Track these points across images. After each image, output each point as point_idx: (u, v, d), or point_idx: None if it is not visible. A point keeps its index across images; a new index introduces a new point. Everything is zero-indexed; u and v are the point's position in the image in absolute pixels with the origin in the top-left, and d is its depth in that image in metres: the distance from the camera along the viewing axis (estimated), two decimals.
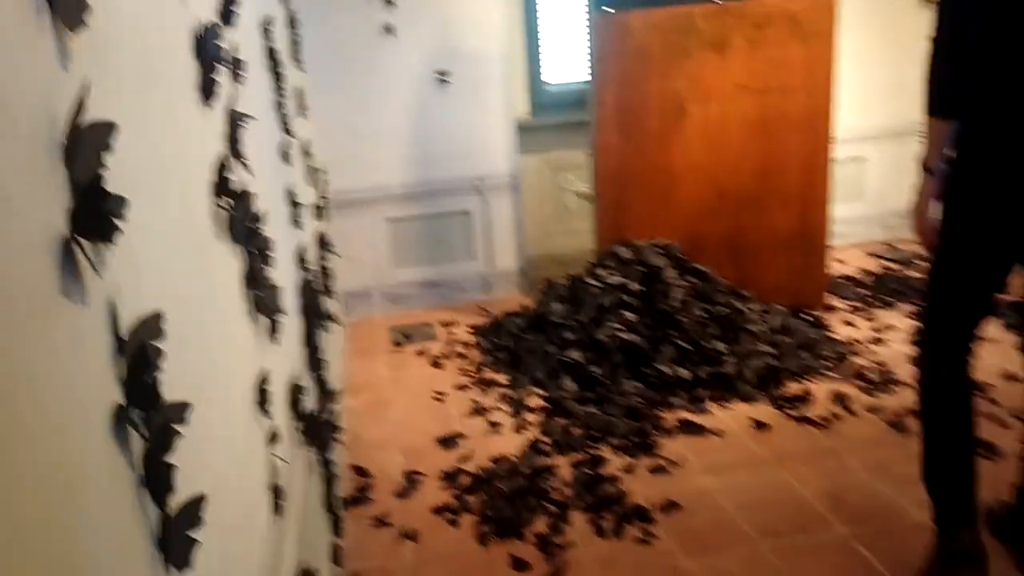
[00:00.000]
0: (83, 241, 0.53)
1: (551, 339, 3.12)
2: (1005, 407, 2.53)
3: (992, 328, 1.86)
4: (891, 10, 4.16)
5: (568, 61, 4.18)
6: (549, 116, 4.10)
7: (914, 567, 1.88)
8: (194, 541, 0.67)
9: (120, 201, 0.58)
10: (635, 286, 3.03)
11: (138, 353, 0.61)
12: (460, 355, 3.37)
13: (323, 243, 2.91)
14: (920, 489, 2.17)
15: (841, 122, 3.69)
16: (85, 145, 0.53)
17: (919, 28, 4.12)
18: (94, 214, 0.54)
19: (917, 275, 3.81)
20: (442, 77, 3.69)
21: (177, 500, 0.66)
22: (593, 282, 3.12)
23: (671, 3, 3.14)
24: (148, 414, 0.62)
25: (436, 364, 3.31)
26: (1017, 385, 2.56)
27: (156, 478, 0.62)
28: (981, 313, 1.76)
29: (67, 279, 0.51)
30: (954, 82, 1.64)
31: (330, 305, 2.88)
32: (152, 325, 0.63)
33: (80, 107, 0.53)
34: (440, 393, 3.03)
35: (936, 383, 1.82)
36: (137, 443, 0.61)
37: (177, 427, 0.67)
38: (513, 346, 3.28)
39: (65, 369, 0.50)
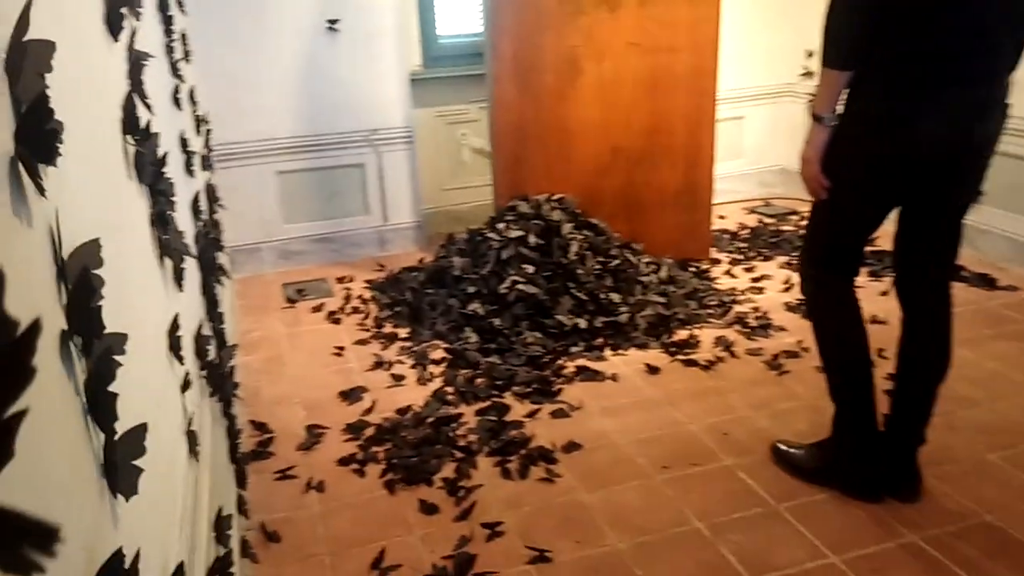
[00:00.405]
0: (29, 160, 0.52)
1: (452, 292, 3.15)
2: (872, 348, 2.76)
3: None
4: None
5: (461, 13, 4.15)
6: (442, 69, 4.07)
7: (790, 491, 2.06)
8: (139, 470, 0.67)
9: (59, 124, 0.57)
10: (534, 240, 3.10)
11: (80, 280, 0.60)
12: (357, 310, 3.35)
13: (211, 195, 2.81)
14: (796, 419, 2.36)
15: (722, 82, 3.86)
16: (28, 63, 0.51)
17: None
18: (38, 134, 0.53)
19: (790, 229, 4.06)
20: (332, 26, 3.59)
21: (120, 429, 0.65)
22: (493, 236, 3.16)
23: None
24: (90, 342, 0.61)
25: (333, 320, 3.27)
26: (882, 327, 2.80)
27: (101, 406, 0.62)
28: (863, 246, 1.93)
29: (16, 199, 0.50)
30: (850, 35, 1.74)
31: (221, 259, 2.79)
32: (92, 252, 0.62)
33: (24, 23, 0.51)
34: (339, 348, 3.01)
35: (829, 306, 1.99)
36: (79, 372, 0.61)
37: (117, 358, 0.66)
38: (413, 300, 3.29)
39: (20, 292, 0.49)
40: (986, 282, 3.25)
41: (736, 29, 4.21)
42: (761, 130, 4.61)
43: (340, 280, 3.68)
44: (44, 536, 0.42)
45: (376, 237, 3.97)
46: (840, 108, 1.83)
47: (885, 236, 2.01)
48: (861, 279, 2.01)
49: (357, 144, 3.80)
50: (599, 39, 3.29)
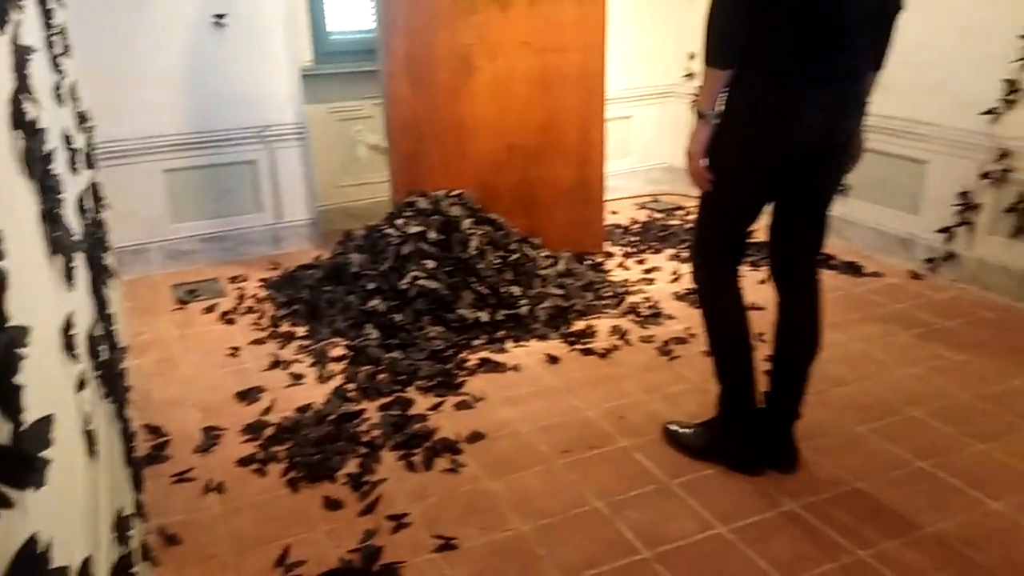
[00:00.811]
0: None
1: (351, 289, 3.14)
2: (753, 332, 2.94)
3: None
4: None
5: (352, 9, 4.12)
6: (335, 65, 4.04)
7: (681, 468, 2.18)
8: (47, 461, 0.67)
9: None
10: (434, 235, 3.12)
11: None
12: (252, 310, 3.29)
13: (95, 194, 2.70)
14: (686, 401, 2.49)
15: (611, 83, 3.99)
16: None
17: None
18: None
19: (677, 223, 4.25)
20: (219, 20, 3.50)
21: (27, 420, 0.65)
22: (392, 232, 3.17)
23: None
24: None
25: (227, 320, 3.20)
26: (761, 313, 2.98)
27: (7, 398, 0.62)
28: (745, 236, 2.06)
29: None
30: (729, 36, 1.85)
31: (107, 260, 2.68)
32: None
33: None
34: (234, 349, 2.95)
35: (716, 292, 2.12)
36: None
37: (20, 351, 0.66)
38: (310, 298, 3.25)
39: None
40: (853, 270, 3.51)
41: (622, 33, 4.37)
42: (648, 129, 4.79)
43: (233, 280, 3.60)
44: None
45: (270, 235, 3.89)
46: (721, 106, 1.95)
47: (763, 229, 2.14)
48: (742, 269, 2.15)
49: (248, 140, 3.72)
50: (492, 38, 3.35)
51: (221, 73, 3.58)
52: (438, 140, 3.40)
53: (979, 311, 3.07)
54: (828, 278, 3.42)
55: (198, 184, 3.70)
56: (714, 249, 2.12)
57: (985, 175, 3.09)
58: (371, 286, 3.08)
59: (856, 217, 3.68)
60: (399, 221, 3.22)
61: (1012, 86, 2.93)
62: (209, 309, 3.30)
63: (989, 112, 3.02)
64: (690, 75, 4.52)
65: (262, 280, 3.56)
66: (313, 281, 3.36)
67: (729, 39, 1.84)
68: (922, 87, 3.24)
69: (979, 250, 3.18)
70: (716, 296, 2.16)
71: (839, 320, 3.00)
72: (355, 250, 3.27)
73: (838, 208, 3.65)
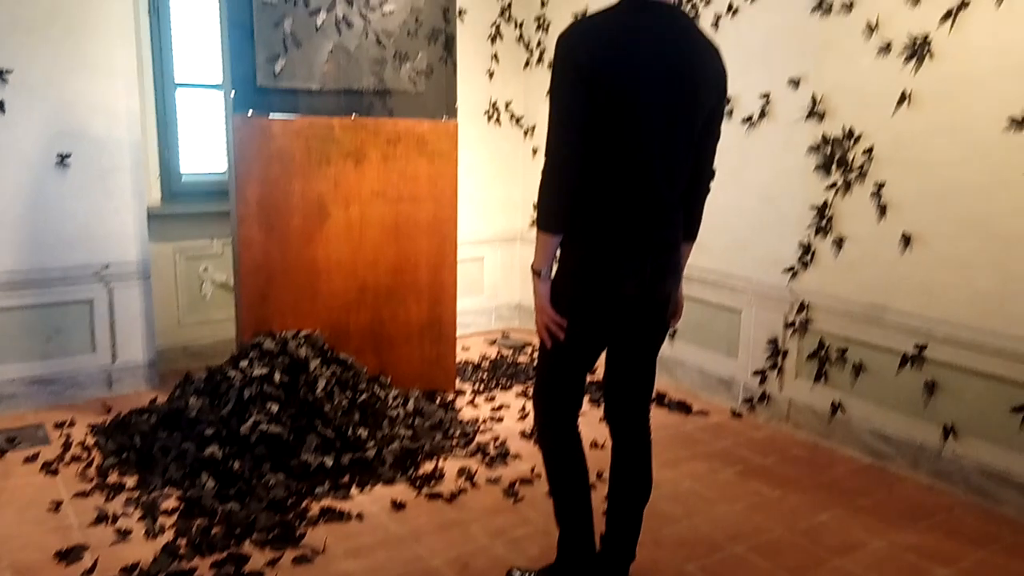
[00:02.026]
0: None
1: (188, 435, 3.02)
2: (592, 470, 3.07)
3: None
4: (499, 137, 4.89)
5: (205, 151, 4.17)
6: (184, 205, 4.03)
7: None
8: None
9: None
10: (280, 377, 3.09)
11: None
12: (78, 459, 3.08)
13: None
14: (529, 545, 2.55)
15: (464, 227, 4.22)
16: None
17: (522, 154, 4.93)
18: None
19: (525, 360, 4.42)
20: (63, 160, 3.45)
21: None
22: (235, 374, 3.11)
23: (312, 111, 3.36)
24: None
25: (49, 471, 2.98)
26: (600, 451, 3.12)
27: None
28: (583, 383, 2.20)
29: None
30: (556, 207, 2.04)
31: None
32: None
33: None
34: (56, 503, 2.74)
35: (554, 434, 2.22)
36: None
37: None
38: (142, 445, 3.09)
39: None
40: (683, 408, 3.77)
41: (472, 182, 4.66)
42: (498, 269, 5.04)
43: (59, 425, 3.37)
44: None
45: (103, 377, 3.70)
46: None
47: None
48: (584, 406, 2.26)
49: (86, 280, 3.59)
50: (346, 187, 3.48)
51: (61, 212, 3.49)
52: (289, 281, 3.43)
53: (791, 448, 3.36)
54: (662, 416, 3.65)
55: (25, 324, 3.50)
56: (552, 395, 2.24)
57: (789, 324, 3.47)
58: (209, 432, 2.98)
59: (685, 359, 3.99)
60: (243, 363, 3.17)
61: (806, 249, 3.37)
62: (30, 459, 3.06)
63: (789, 270, 3.44)
64: (535, 223, 4.84)
65: (91, 426, 3.35)
66: (147, 427, 3.21)
67: (557, 209, 2.03)
68: (732, 245, 3.65)
69: (788, 392, 3.52)
70: (555, 441, 2.26)
71: (671, 457, 3.19)
72: (194, 393, 3.17)
73: (670, 350, 3.97)
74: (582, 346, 2.16)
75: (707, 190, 2.20)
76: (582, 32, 1.95)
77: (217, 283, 4.17)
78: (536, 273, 2.10)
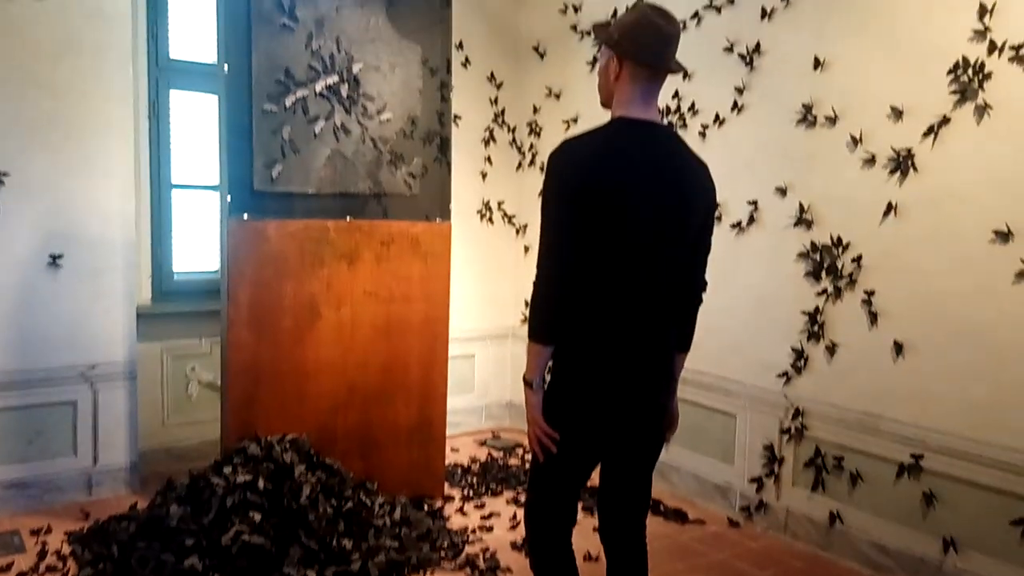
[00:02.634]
0: None
1: (168, 546, 2.91)
2: None
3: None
4: (491, 235, 4.95)
5: (198, 249, 4.19)
6: (174, 304, 4.02)
7: None
8: None
9: None
10: (263, 484, 3.01)
11: None
12: (53, 569, 2.96)
13: None
14: None
15: (455, 324, 4.20)
16: None
17: (514, 252, 4.97)
18: None
19: (516, 463, 4.34)
20: (55, 260, 3.45)
21: None
22: (218, 481, 3.02)
23: (307, 215, 3.39)
24: None
25: None
26: (594, 564, 3.02)
27: None
28: (576, 497, 2.14)
29: None
30: (548, 319, 2.03)
31: None
32: None
33: None
34: None
35: (547, 551, 2.14)
36: None
37: None
38: (120, 556, 2.97)
39: None
40: (679, 516, 3.67)
41: (464, 279, 4.68)
42: (489, 367, 5.00)
43: (35, 532, 3.25)
44: None
45: (83, 481, 3.60)
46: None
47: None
48: (578, 516, 2.20)
49: (71, 380, 3.53)
50: (338, 288, 3.48)
51: (50, 312, 3.47)
52: (277, 384, 3.38)
53: (789, 560, 3.26)
54: (657, 525, 3.55)
55: (6, 426, 3.42)
56: (545, 510, 2.17)
57: (785, 431, 3.43)
58: (190, 542, 2.87)
59: (680, 464, 3.92)
60: (227, 469, 3.09)
61: (799, 354, 3.36)
62: (3, 569, 2.94)
63: (783, 375, 3.42)
64: (526, 319, 4.84)
65: (68, 533, 3.23)
66: (125, 535, 3.09)
67: (548, 321, 2.02)
68: (726, 348, 3.64)
69: (786, 500, 3.45)
70: (547, 557, 2.18)
71: (667, 571, 3.09)
72: (175, 501, 3.07)
73: (665, 455, 3.88)
74: (576, 460, 2.12)
75: (699, 301, 2.21)
76: (573, 150, 2.00)
77: (204, 383, 4.12)
78: (528, 384, 2.08)
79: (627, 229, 1.97)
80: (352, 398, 3.58)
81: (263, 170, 3.27)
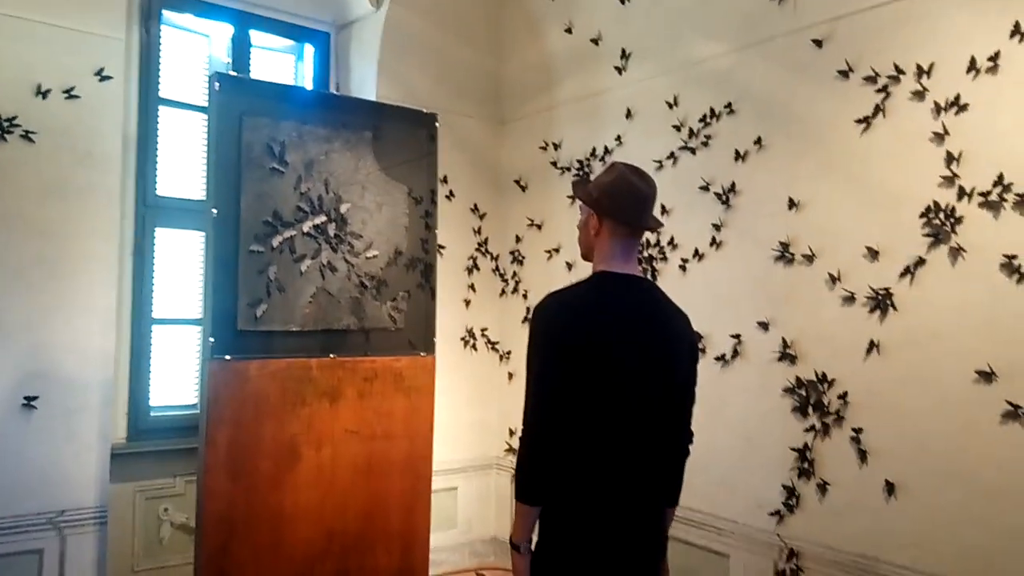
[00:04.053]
0: None
1: None
2: None
3: None
4: (475, 362, 4.92)
5: (176, 385, 4.12)
6: (150, 442, 3.91)
7: None
8: None
9: None
10: None
11: None
12: None
13: None
14: None
15: (438, 455, 4.10)
16: None
17: (498, 378, 4.93)
18: None
19: None
20: (29, 403, 3.36)
21: None
22: None
23: (291, 353, 3.36)
24: None
25: None
26: None
27: None
28: None
29: None
30: (535, 481, 1.98)
31: None
32: None
33: None
34: None
35: None
36: None
37: None
38: None
39: None
40: None
41: (447, 408, 4.60)
42: (473, 501, 4.86)
43: None
44: None
45: None
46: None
47: None
48: None
49: (38, 528, 3.37)
50: (319, 427, 3.40)
51: (19, 457, 3.34)
52: (252, 532, 3.24)
53: None
54: None
55: None
56: None
57: (779, 573, 3.32)
58: None
59: None
60: None
61: (791, 492, 3.30)
62: None
63: (775, 513, 3.35)
64: (511, 449, 4.75)
65: None
66: None
67: (536, 480, 1.97)
68: (715, 485, 3.57)
69: None
70: None
71: None
72: None
73: None
74: None
75: (687, 453, 2.19)
76: (558, 305, 2.02)
77: (176, 524, 3.95)
78: (515, 547, 2.02)
79: (613, 383, 1.97)
80: (330, 546, 3.43)
81: (247, 309, 3.25)
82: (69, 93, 3.51)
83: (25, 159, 3.41)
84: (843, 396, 3.14)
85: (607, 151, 4.31)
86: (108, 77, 3.61)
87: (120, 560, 3.78)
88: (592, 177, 2.22)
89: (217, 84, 3.23)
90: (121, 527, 3.78)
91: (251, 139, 3.28)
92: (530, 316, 2.00)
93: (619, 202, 2.03)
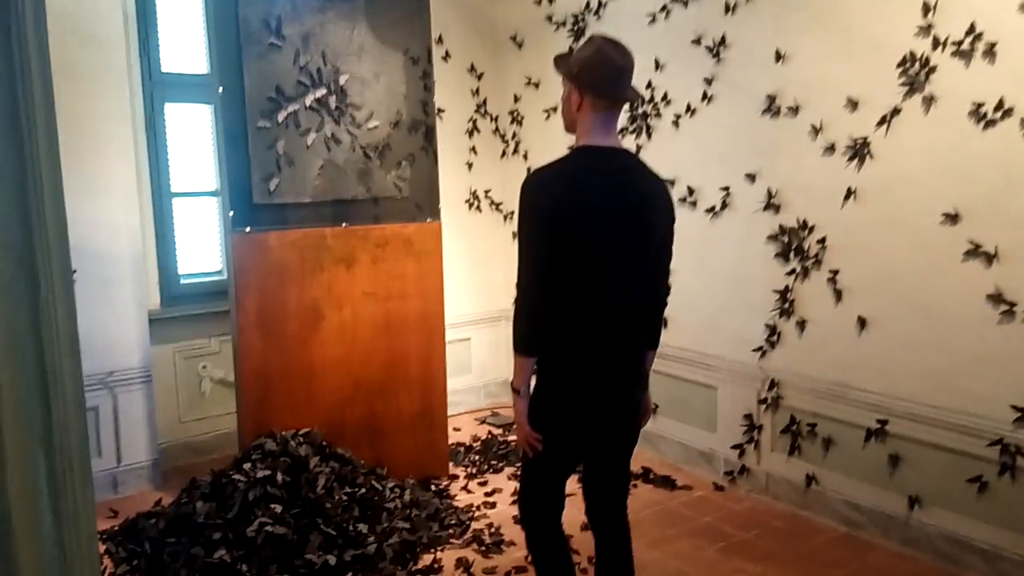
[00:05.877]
0: None
1: (196, 540, 3.16)
2: (583, 555, 3.22)
3: (571, 484, 2.46)
4: (480, 223, 5.14)
5: (203, 252, 4.38)
6: (183, 307, 4.22)
7: None
8: None
9: None
10: (281, 477, 3.25)
11: None
12: None
13: None
14: None
15: (450, 309, 4.42)
16: None
17: (500, 240, 5.16)
18: None
19: (515, 439, 4.58)
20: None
21: None
22: (239, 477, 3.27)
23: (305, 223, 3.59)
24: None
25: None
26: (590, 534, 3.27)
27: None
28: (563, 488, 2.39)
29: None
30: (529, 332, 2.25)
31: None
32: None
33: None
34: None
35: (540, 536, 2.39)
36: None
37: None
38: (152, 552, 3.22)
39: None
40: (668, 483, 3.94)
41: (456, 268, 4.89)
42: (485, 348, 5.24)
43: None
44: None
45: (109, 480, 3.84)
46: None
47: None
48: (575, 488, 2.44)
49: (91, 388, 3.75)
50: (338, 290, 3.69)
51: None
52: (286, 383, 3.61)
53: (771, 520, 3.54)
54: (647, 492, 3.83)
55: None
56: (536, 500, 2.42)
57: (762, 401, 3.68)
58: (217, 535, 3.12)
59: (667, 433, 4.18)
60: (246, 465, 3.33)
61: (772, 330, 3.60)
62: None
63: (758, 349, 3.66)
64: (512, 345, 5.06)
65: (101, 532, 3.48)
66: (155, 532, 3.34)
67: (529, 334, 2.24)
68: (704, 325, 3.88)
69: (766, 465, 3.72)
70: (541, 540, 2.43)
71: (657, 537, 3.35)
72: (200, 498, 3.32)
73: (653, 425, 4.16)
74: (560, 456, 2.36)
75: (664, 304, 2.43)
76: (542, 180, 2.22)
77: (215, 380, 4.34)
78: (515, 391, 2.31)
79: (596, 246, 2.19)
80: (358, 392, 3.81)
81: (261, 184, 3.45)
82: None
83: None
84: (822, 241, 3.36)
85: (601, 5, 4.32)
86: None
87: (167, 412, 4.19)
88: (573, 50, 2.34)
89: None
90: (165, 384, 4.17)
91: (247, 14, 3.36)
92: (519, 191, 2.20)
93: (598, 75, 2.16)
